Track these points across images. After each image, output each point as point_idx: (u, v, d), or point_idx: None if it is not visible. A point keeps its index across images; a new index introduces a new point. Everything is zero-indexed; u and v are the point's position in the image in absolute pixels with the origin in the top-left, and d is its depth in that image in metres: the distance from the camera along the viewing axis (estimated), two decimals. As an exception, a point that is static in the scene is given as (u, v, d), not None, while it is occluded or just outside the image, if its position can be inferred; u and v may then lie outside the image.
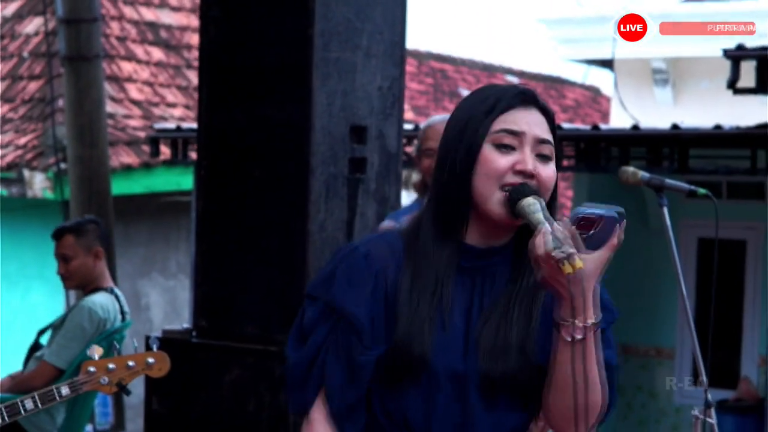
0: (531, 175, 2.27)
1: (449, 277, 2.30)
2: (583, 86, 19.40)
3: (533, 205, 2.22)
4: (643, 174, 3.89)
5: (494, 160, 2.27)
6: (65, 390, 4.45)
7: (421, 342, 2.25)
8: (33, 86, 10.94)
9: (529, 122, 2.31)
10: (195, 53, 11.99)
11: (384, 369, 2.27)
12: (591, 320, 2.20)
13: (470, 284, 2.32)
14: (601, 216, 2.17)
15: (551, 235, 2.15)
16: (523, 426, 2.32)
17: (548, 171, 2.29)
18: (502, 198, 2.26)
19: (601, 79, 19.48)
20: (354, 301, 2.29)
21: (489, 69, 18.08)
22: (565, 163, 7.83)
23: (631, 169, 3.98)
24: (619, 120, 11.31)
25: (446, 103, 16.33)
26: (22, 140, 10.31)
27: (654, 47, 10.59)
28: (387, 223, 4.54)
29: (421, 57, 16.89)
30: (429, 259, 2.31)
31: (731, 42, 6.89)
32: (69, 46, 8.18)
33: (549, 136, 2.32)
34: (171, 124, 9.90)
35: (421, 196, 4.67)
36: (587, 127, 8.28)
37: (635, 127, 7.58)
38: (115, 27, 11.64)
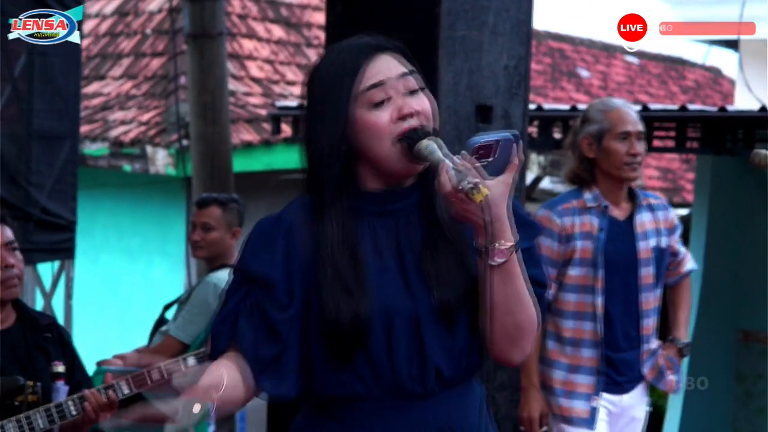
0: (412, 114, 2.32)
1: (354, 228, 2.35)
2: (703, 67, 19.08)
3: (430, 146, 2.28)
4: (775, 156, 3.82)
5: (375, 121, 2.32)
6: (191, 360, 4.50)
7: (359, 298, 2.30)
8: (156, 63, 11.08)
9: (389, 66, 2.36)
10: (315, 31, 12.03)
11: (334, 338, 2.30)
12: (509, 243, 2.26)
13: (393, 226, 2.38)
14: (497, 141, 2.23)
15: (453, 170, 2.21)
16: (470, 344, 2.37)
17: (424, 103, 2.36)
18: (399, 151, 2.31)
19: (722, 60, 19.16)
20: (265, 263, 2.35)
21: (608, 49, 17.86)
22: (689, 145, 7.70)
23: (763, 151, 3.92)
24: (743, 102, 11.08)
25: (564, 83, 16.17)
26: (145, 117, 10.45)
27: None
28: (542, 213, 4.47)
29: (539, 37, 16.74)
30: (333, 216, 2.35)
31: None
32: (193, 24, 8.24)
33: (408, 67, 2.37)
34: (291, 102, 9.95)
35: (574, 185, 4.54)
36: (714, 108, 8.12)
37: (763, 109, 7.41)
38: (236, 5, 11.73)
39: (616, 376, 4.46)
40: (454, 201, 2.23)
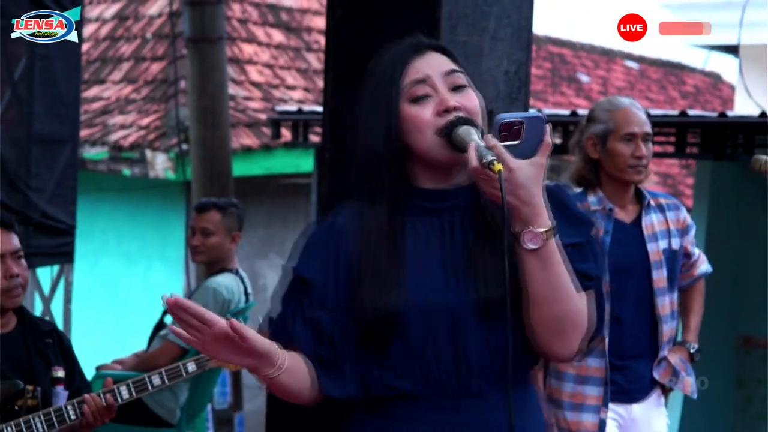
0: (456, 109, 2.32)
1: (399, 224, 2.36)
2: (703, 72, 19.08)
3: (466, 131, 2.28)
4: (776, 162, 3.81)
5: (417, 115, 2.34)
6: (192, 366, 4.49)
7: (396, 292, 2.30)
8: (156, 67, 11.07)
9: (430, 65, 2.38)
10: (315, 36, 12.03)
11: (371, 332, 2.31)
12: (542, 228, 2.23)
13: (440, 223, 2.37)
14: (521, 120, 2.21)
15: (480, 147, 2.21)
16: (513, 343, 2.31)
17: (469, 99, 2.36)
18: (441, 141, 2.32)
19: (722, 66, 19.16)
20: (311, 267, 2.37)
21: (608, 54, 17.86)
22: (689, 150, 7.70)
23: (764, 157, 3.91)
24: (743, 107, 11.08)
25: (564, 89, 16.17)
26: (145, 121, 10.44)
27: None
28: None
29: (539, 41, 16.75)
30: (380, 211, 2.36)
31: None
32: (193, 28, 8.25)
33: (454, 66, 2.39)
34: (291, 107, 9.95)
35: (581, 187, 4.42)
36: (713, 113, 8.11)
37: (763, 114, 7.41)
38: (236, 9, 11.74)
39: (624, 383, 4.33)
40: (482, 178, 2.22)
